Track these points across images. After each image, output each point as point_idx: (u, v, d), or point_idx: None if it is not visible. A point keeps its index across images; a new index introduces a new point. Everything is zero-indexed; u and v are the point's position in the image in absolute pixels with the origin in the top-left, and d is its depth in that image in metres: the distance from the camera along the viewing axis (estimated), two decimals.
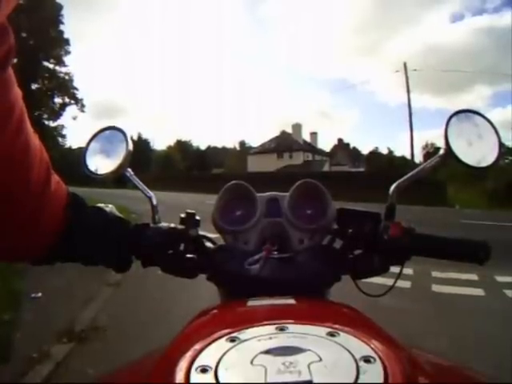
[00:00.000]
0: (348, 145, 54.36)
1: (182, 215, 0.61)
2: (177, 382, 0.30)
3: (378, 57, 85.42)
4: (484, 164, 0.55)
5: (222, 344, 0.34)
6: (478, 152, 0.56)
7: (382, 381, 0.28)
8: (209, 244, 0.63)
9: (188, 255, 0.61)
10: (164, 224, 0.60)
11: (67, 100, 27.86)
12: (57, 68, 26.48)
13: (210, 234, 0.64)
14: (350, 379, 0.28)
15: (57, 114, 27.30)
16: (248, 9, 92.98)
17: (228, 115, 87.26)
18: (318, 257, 0.58)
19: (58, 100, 27.48)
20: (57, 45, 26.20)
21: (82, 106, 27.54)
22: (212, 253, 0.61)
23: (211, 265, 0.60)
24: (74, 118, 28.03)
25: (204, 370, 0.30)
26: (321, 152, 42.65)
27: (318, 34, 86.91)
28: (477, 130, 0.57)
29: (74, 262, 0.53)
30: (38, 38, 24.41)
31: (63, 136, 27.93)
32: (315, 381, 0.28)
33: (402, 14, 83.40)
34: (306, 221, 0.61)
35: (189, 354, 0.32)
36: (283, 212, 0.62)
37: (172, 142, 54.01)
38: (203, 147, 56.47)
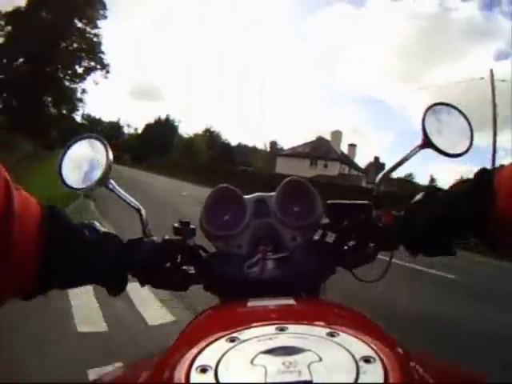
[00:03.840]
0: (384, 164, 51.05)
1: (176, 225, 0.59)
2: (177, 382, 0.30)
3: (417, 85, 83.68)
4: (458, 151, 0.61)
5: (221, 344, 0.34)
6: (452, 141, 0.62)
7: (382, 381, 0.28)
8: (204, 253, 0.61)
9: (184, 267, 0.59)
10: (157, 237, 0.58)
11: (93, 64, 25.64)
12: (87, 29, 24.38)
13: None
14: (350, 379, 0.28)
15: (80, 76, 25.17)
16: (296, 19, 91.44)
17: (262, 115, 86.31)
18: (313, 252, 0.59)
19: (83, 64, 25.28)
20: (91, 4, 24.11)
21: (107, 72, 25.42)
22: (208, 261, 0.59)
23: (209, 274, 0.58)
24: (96, 83, 26.02)
25: (204, 370, 0.30)
26: (356, 167, 39.96)
27: (362, 53, 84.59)
28: (451, 121, 0.63)
29: (62, 289, 0.49)
30: None
31: (81, 100, 25.76)
32: (315, 381, 0.28)
33: (447, 46, 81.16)
34: (295, 218, 0.61)
35: (189, 354, 0.32)
36: (272, 212, 0.62)
37: (200, 130, 52.78)
38: (233, 143, 54.61)
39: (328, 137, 38.11)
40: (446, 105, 0.63)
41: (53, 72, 23.63)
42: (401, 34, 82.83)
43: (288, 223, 0.60)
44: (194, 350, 0.33)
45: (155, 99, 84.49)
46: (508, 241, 0.51)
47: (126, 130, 52.24)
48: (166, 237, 0.57)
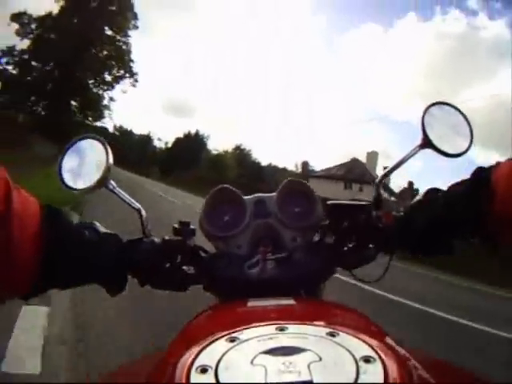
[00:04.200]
0: (417, 190, 47.67)
1: (176, 225, 0.59)
2: (177, 382, 0.30)
3: None
4: (458, 151, 0.60)
5: (221, 344, 0.34)
6: (452, 140, 0.61)
7: (381, 381, 0.28)
8: (203, 254, 0.61)
9: (184, 267, 0.59)
10: (157, 237, 0.58)
11: (122, 72, 25.16)
12: (117, 36, 24.02)
13: None
14: (350, 379, 0.28)
15: (108, 84, 24.72)
16: (327, 39, 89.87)
17: (293, 136, 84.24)
18: (313, 253, 0.59)
19: (112, 72, 24.88)
20: (123, 14, 23.77)
21: (135, 80, 24.81)
22: (208, 262, 0.59)
23: (209, 274, 0.59)
24: (124, 92, 25.54)
25: (204, 370, 0.30)
26: (391, 191, 36.56)
27: (390, 73, 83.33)
28: (451, 120, 0.62)
29: (61, 289, 0.49)
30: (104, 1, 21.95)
31: (108, 108, 25.27)
32: (315, 381, 0.28)
33: (475, 66, 78.32)
34: (295, 219, 0.61)
35: (189, 354, 0.33)
36: (272, 212, 0.62)
37: (228, 147, 52.19)
38: (263, 163, 53.60)
39: (355, 156, 36.16)
40: (446, 104, 0.63)
41: (81, 78, 23.39)
42: (429, 54, 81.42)
43: (288, 224, 0.61)
44: (194, 350, 0.33)
45: (186, 115, 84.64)
46: (508, 239, 0.50)
47: (156, 144, 52.64)
48: (166, 237, 0.57)
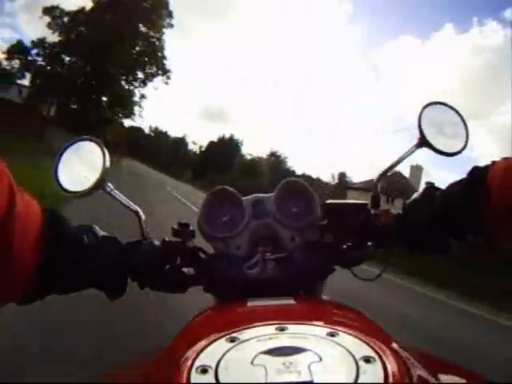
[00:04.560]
0: None
1: (175, 226, 0.59)
2: (177, 382, 0.30)
3: (483, 122, 75.26)
4: (454, 150, 0.61)
5: (222, 344, 0.34)
6: (448, 139, 0.62)
7: (382, 381, 0.28)
8: (203, 255, 0.60)
9: (184, 269, 0.59)
10: (156, 239, 0.57)
11: (154, 69, 24.33)
12: (150, 32, 23.20)
13: None
14: (350, 379, 0.28)
15: (140, 80, 23.95)
16: (364, 51, 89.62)
17: (326, 147, 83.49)
18: (312, 252, 0.58)
19: (145, 69, 24.11)
20: (157, 11, 22.99)
21: (168, 77, 23.89)
22: (208, 263, 0.59)
23: (209, 275, 0.58)
24: (156, 89, 24.82)
25: (204, 371, 0.30)
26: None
27: (426, 87, 79.54)
28: (447, 120, 0.63)
29: (60, 294, 0.48)
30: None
31: (139, 105, 24.45)
32: (315, 381, 0.28)
33: None
34: (294, 219, 0.61)
35: (189, 354, 0.32)
36: (270, 213, 0.62)
37: (263, 153, 51.44)
38: (298, 172, 51.81)
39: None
40: (442, 104, 0.63)
41: (113, 73, 22.90)
42: (465, 67, 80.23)
43: (286, 224, 0.61)
44: (195, 350, 0.33)
45: (222, 120, 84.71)
46: (504, 237, 0.51)
47: (191, 148, 52.50)
48: (166, 239, 0.57)
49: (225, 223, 0.62)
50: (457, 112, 0.63)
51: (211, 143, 48.20)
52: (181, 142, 50.29)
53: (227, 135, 48.07)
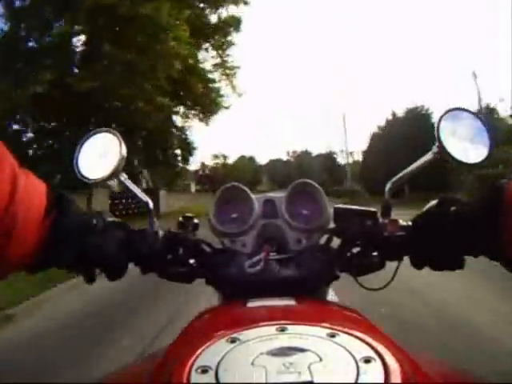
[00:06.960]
0: None
1: (180, 219, 0.61)
2: (178, 382, 0.30)
3: None
4: (475, 160, 0.56)
5: (222, 345, 0.34)
6: (469, 148, 0.57)
7: (382, 381, 0.28)
8: (207, 248, 0.62)
9: (187, 260, 0.60)
10: (162, 229, 0.59)
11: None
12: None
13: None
14: (350, 379, 0.28)
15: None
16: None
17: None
18: (316, 256, 0.58)
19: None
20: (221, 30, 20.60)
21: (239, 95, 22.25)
22: (211, 257, 0.60)
23: (210, 269, 0.59)
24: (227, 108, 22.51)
25: (205, 371, 0.30)
26: None
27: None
28: (468, 127, 0.58)
29: (60, 269, 0.50)
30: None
31: (184, 131, 21.87)
32: (316, 381, 0.28)
33: None
34: (303, 221, 0.61)
35: (189, 355, 0.33)
36: (280, 213, 0.62)
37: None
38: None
39: None
40: (464, 110, 0.59)
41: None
42: None
43: (295, 226, 0.60)
44: (195, 351, 0.33)
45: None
46: None
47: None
48: (171, 229, 0.59)
49: (234, 220, 0.62)
50: (479, 118, 0.58)
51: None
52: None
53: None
